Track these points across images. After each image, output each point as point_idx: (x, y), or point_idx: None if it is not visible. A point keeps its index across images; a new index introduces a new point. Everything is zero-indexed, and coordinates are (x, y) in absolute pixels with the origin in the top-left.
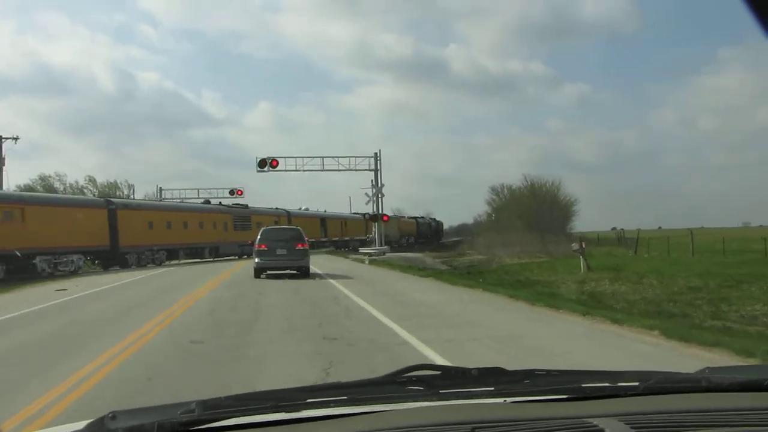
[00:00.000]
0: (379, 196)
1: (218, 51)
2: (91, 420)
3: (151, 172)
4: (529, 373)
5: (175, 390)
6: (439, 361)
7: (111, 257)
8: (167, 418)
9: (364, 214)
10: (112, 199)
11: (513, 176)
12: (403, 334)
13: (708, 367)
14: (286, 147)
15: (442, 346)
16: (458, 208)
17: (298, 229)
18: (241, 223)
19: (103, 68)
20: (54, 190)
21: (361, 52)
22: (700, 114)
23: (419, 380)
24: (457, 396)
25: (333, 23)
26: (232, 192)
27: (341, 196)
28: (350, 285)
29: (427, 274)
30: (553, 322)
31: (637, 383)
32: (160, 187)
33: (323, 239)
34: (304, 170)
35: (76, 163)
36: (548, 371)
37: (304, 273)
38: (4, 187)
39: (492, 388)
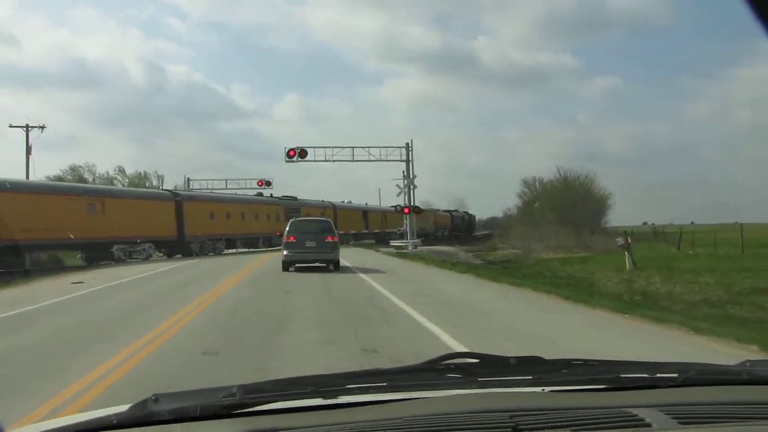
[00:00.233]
0: (411, 187)
1: (246, 43)
2: (134, 403)
3: (181, 164)
4: (568, 363)
5: None
6: None
7: (177, 246)
8: (209, 401)
9: (395, 206)
10: (178, 192)
11: (541, 169)
12: (453, 344)
13: (748, 360)
14: (315, 139)
15: None
16: (486, 200)
17: (328, 221)
18: (291, 215)
19: (133, 61)
20: (84, 181)
21: (389, 44)
22: (735, 107)
23: (457, 368)
24: (496, 384)
25: (360, 15)
26: (263, 182)
27: (370, 188)
28: (385, 282)
29: (464, 269)
30: (636, 335)
31: (676, 374)
32: (188, 178)
33: (365, 231)
34: (333, 160)
35: (107, 156)
36: (586, 361)
37: (334, 266)
38: (30, 176)
39: (530, 377)
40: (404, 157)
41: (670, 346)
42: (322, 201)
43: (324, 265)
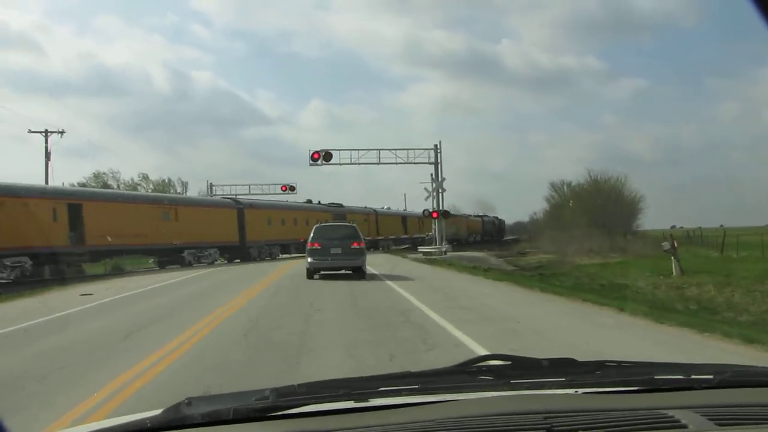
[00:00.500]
0: (440, 191)
1: (270, 50)
2: (168, 407)
3: (206, 171)
4: (601, 365)
5: None
6: None
7: (239, 251)
8: (242, 404)
9: (423, 211)
10: (239, 199)
11: (567, 173)
12: None
13: None
14: (339, 144)
15: None
16: (510, 205)
17: (354, 227)
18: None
19: (158, 69)
20: (108, 187)
21: (412, 48)
22: (765, 108)
23: (490, 370)
24: (529, 386)
25: (383, 20)
26: (287, 186)
27: (396, 192)
28: (417, 292)
29: (499, 276)
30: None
31: (711, 376)
32: (211, 184)
33: (404, 236)
34: (359, 163)
35: (132, 163)
36: (619, 362)
37: (359, 274)
38: (49, 182)
39: (563, 379)
40: (432, 160)
41: None
42: (365, 207)
43: (350, 272)
